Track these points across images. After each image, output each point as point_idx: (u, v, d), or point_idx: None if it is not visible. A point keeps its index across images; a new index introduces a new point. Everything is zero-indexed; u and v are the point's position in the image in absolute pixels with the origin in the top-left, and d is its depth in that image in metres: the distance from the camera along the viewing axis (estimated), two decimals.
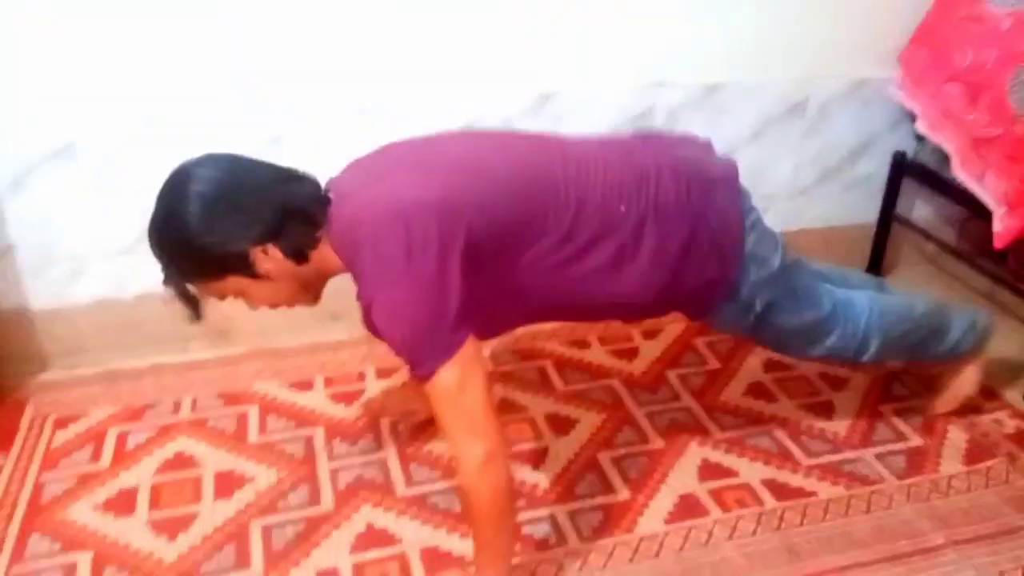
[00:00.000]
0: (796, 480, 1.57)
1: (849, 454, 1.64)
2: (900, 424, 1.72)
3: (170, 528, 1.43)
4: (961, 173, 1.85)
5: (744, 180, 2.08)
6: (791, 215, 2.19)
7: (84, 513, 1.46)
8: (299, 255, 1.19)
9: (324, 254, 1.21)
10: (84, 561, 1.36)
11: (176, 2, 1.56)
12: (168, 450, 1.61)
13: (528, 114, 1.85)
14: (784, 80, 2.01)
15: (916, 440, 1.68)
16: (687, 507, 1.50)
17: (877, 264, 2.28)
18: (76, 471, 1.55)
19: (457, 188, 1.18)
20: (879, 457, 1.63)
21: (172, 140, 1.65)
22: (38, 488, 1.51)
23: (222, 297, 1.23)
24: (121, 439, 1.63)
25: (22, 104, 1.58)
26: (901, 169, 2.13)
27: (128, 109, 1.63)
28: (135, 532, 1.42)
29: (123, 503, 1.48)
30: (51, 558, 1.37)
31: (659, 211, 1.26)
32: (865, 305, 1.50)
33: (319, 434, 1.65)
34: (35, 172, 1.63)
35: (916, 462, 1.62)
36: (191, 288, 1.20)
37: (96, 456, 1.59)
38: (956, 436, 1.70)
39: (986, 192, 1.80)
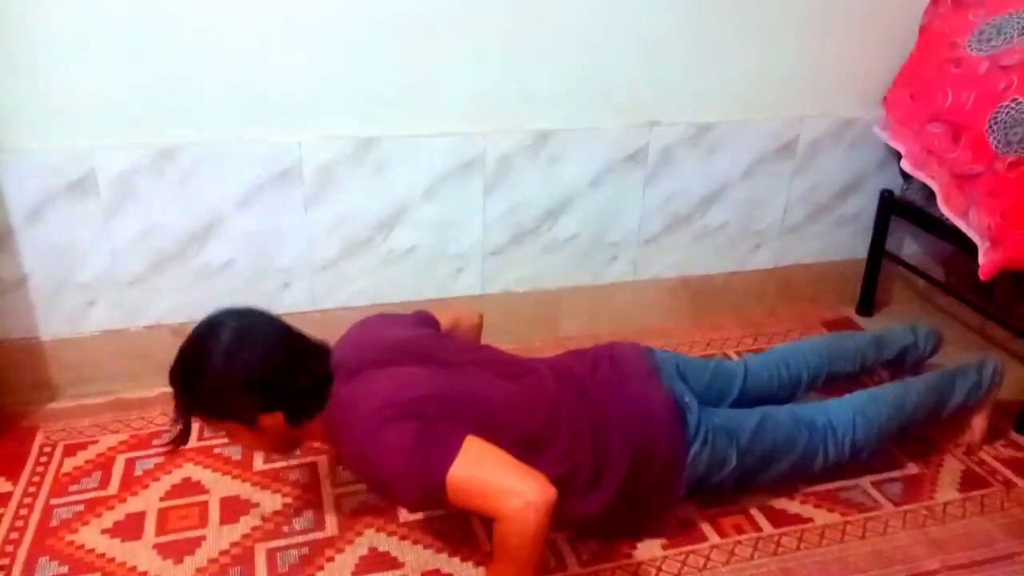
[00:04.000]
0: (793, 507, 1.59)
1: (846, 481, 1.66)
2: (897, 452, 1.74)
3: (176, 551, 1.45)
4: (946, 209, 1.90)
5: (737, 216, 2.17)
6: (783, 251, 2.26)
7: (92, 537, 1.48)
8: (297, 423, 1.31)
9: (316, 424, 1.33)
10: None
11: (191, 37, 1.64)
12: (175, 476, 1.63)
13: (526, 153, 1.92)
14: (774, 120, 2.08)
15: (913, 468, 1.71)
16: (685, 533, 1.52)
17: (869, 300, 2.33)
18: (84, 496, 1.57)
19: (455, 386, 1.31)
20: (876, 484, 1.66)
21: (185, 173, 1.73)
22: (47, 512, 1.53)
23: (215, 429, 1.36)
24: (129, 465, 1.66)
25: (38, 137, 1.63)
26: (889, 206, 2.20)
27: (142, 142, 1.69)
28: (142, 555, 1.44)
29: (130, 527, 1.50)
30: None
31: (601, 461, 1.37)
32: (848, 423, 1.55)
33: (323, 462, 1.67)
34: (50, 204, 1.68)
35: (912, 489, 1.65)
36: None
37: (104, 482, 1.61)
38: (952, 464, 1.73)
39: (970, 227, 1.86)
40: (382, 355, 1.35)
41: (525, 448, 1.28)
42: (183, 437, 1.31)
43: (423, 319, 1.54)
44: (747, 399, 1.61)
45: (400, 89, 1.80)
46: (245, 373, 1.24)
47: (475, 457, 1.19)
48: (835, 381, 1.74)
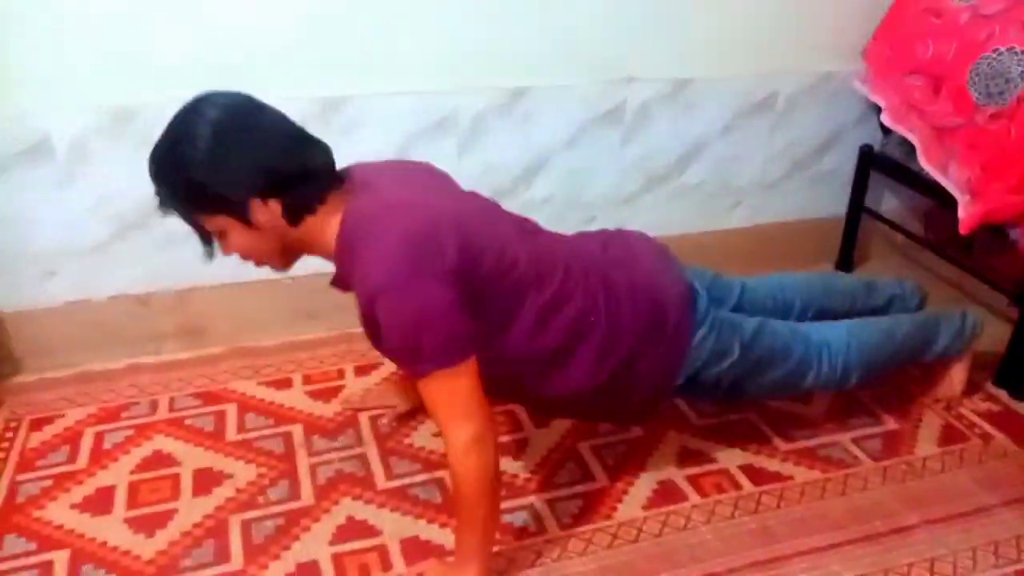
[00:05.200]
0: (773, 465, 1.59)
1: (826, 438, 1.66)
2: (877, 408, 1.75)
3: (148, 525, 1.42)
4: (926, 163, 1.88)
5: (715, 174, 2.14)
6: (762, 208, 2.24)
7: (60, 512, 1.44)
8: (295, 218, 1.19)
9: (318, 226, 1.21)
10: (60, 559, 1.35)
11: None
12: (145, 449, 1.60)
13: (501, 110, 1.87)
14: (752, 75, 2.04)
15: (892, 424, 1.71)
16: (666, 493, 1.51)
17: (848, 256, 2.32)
18: (52, 471, 1.53)
19: (484, 227, 1.25)
20: (855, 441, 1.66)
21: (144, 137, 1.65)
22: (13, 489, 1.49)
23: (203, 231, 1.21)
24: (98, 439, 1.62)
25: None
26: (868, 162, 2.17)
27: (100, 106, 1.62)
28: (112, 530, 1.41)
29: (100, 502, 1.47)
30: (26, 558, 1.35)
31: (612, 327, 1.33)
32: (843, 342, 1.53)
33: (298, 430, 1.65)
34: (5, 172, 1.62)
35: (892, 445, 1.65)
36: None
37: (73, 456, 1.57)
38: (931, 419, 1.73)
39: (950, 181, 1.84)
40: (405, 177, 1.29)
41: (543, 305, 1.26)
42: (209, 249, 1.23)
43: None
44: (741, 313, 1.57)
45: (365, 45, 1.73)
46: (238, 145, 1.12)
47: (463, 376, 1.16)
48: (823, 317, 1.69)
